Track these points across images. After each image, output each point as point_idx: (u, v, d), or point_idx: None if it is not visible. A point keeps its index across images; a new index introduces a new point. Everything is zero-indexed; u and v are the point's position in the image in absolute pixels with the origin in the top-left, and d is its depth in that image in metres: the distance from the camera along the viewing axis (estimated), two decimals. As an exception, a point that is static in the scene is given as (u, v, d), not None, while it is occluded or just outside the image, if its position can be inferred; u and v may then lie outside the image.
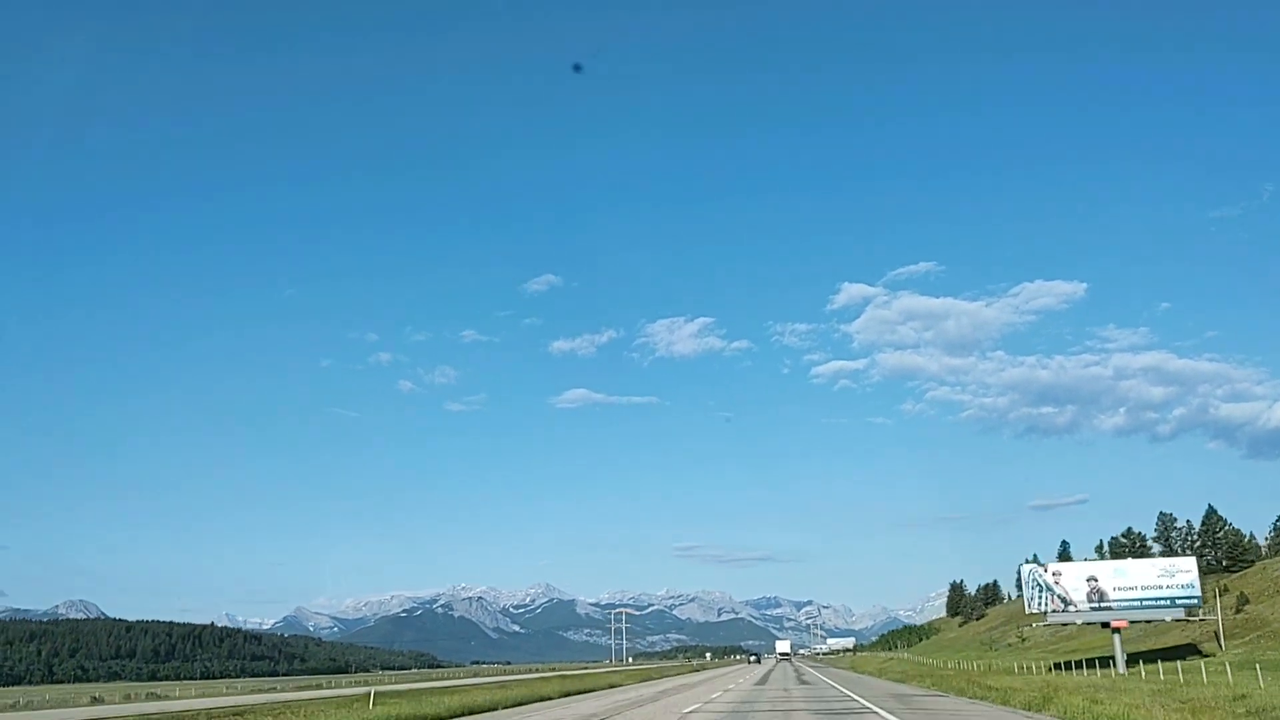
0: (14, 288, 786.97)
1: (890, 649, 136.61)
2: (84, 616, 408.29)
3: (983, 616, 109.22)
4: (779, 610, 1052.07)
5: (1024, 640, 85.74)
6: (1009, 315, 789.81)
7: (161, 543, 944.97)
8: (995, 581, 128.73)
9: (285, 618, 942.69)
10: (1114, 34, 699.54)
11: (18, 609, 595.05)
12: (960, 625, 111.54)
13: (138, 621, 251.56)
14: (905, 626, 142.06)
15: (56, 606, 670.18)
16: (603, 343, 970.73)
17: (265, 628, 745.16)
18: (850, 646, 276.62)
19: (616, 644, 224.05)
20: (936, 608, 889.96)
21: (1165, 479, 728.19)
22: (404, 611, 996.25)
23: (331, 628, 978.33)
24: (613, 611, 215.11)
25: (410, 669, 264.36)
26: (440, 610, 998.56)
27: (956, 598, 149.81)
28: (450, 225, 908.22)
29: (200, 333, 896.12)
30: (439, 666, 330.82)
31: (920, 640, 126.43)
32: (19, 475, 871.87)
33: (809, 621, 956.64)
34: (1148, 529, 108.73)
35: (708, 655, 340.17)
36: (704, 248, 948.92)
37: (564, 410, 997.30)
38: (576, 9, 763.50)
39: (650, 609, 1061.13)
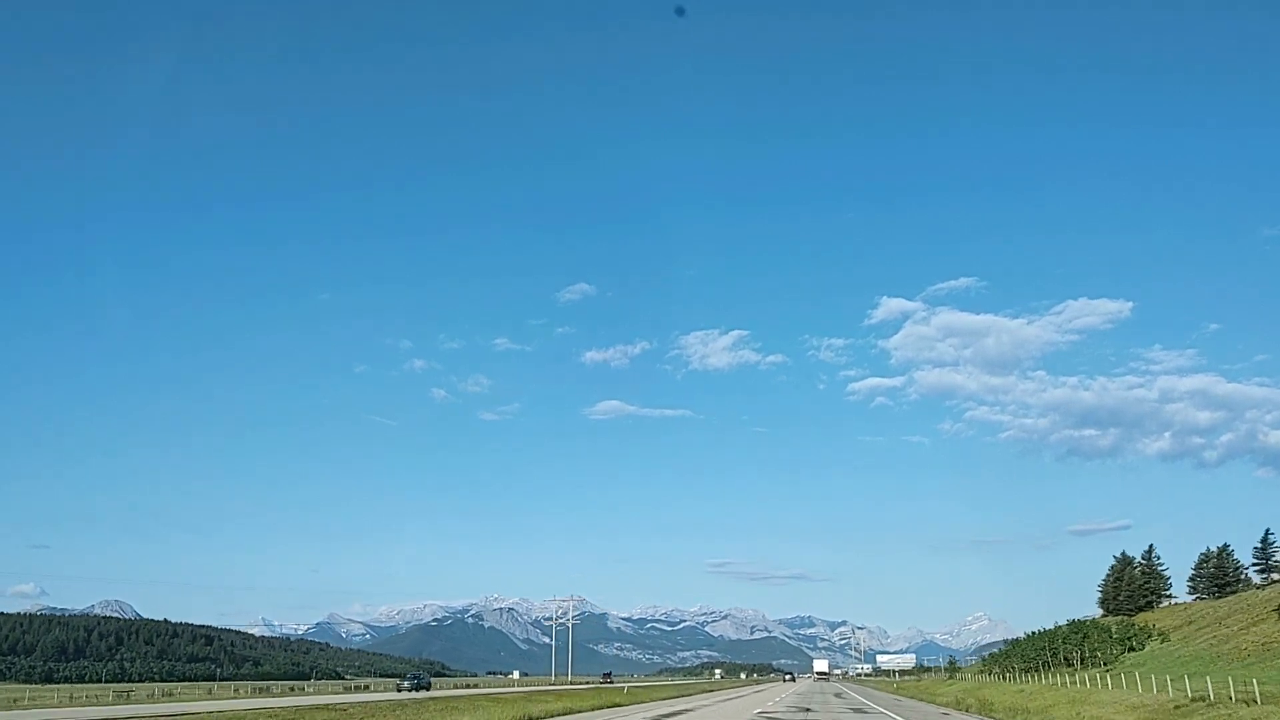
0: (50, 293, 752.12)
1: (1035, 670, 68.49)
2: (118, 615, 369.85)
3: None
4: (813, 630, 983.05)
5: None
6: (1051, 334, 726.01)
7: (200, 547, 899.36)
8: (1226, 546, 70.94)
9: (318, 624, 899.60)
10: (1165, 49, 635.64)
11: (54, 607, 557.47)
12: (1255, 619, 52.71)
13: (40, 614, 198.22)
14: (1070, 623, 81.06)
15: (92, 606, 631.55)
16: (635, 354, 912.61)
17: (299, 633, 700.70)
18: (909, 666, 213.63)
19: (561, 646, 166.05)
20: (974, 632, 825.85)
21: (1211, 506, 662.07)
22: (434, 621, 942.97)
23: (364, 634, 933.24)
24: (554, 603, 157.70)
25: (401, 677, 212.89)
26: (471, 620, 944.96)
27: (1148, 579, 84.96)
28: (483, 232, 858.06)
29: (236, 337, 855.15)
30: (445, 675, 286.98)
31: (1129, 650, 64.46)
32: (62, 478, 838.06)
33: (843, 642, 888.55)
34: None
35: (717, 673, 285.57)
36: (740, 259, 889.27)
37: (597, 422, 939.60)
38: (617, 17, 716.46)
39: (682, 624, 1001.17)
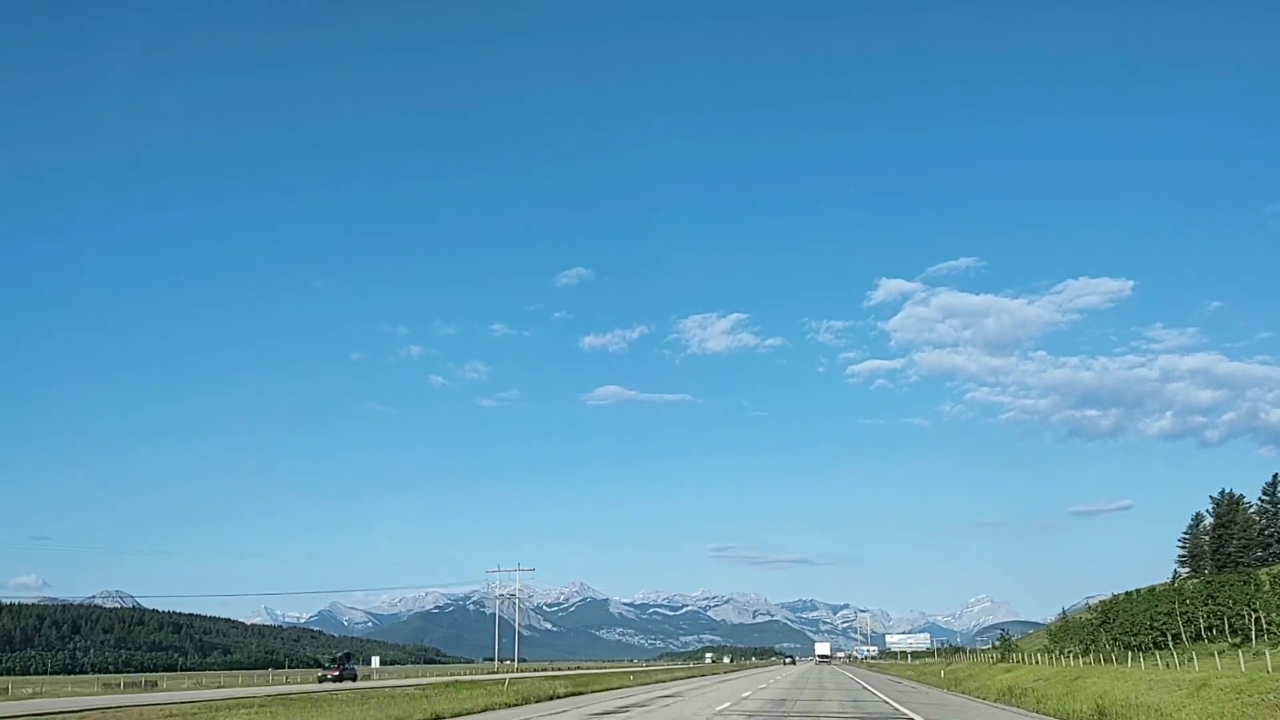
0: (47, 286, 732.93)
1: (1154, 648, 46.13)
2: (118, 606, 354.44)
3: None
4: (815, 613, 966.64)
5: None
6: (1052, 314, 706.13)
7: (201, 537, 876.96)
8: None
9: (320, 612, 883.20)
10: (1167, 31, 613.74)
11: (55, 598, 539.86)
12: None
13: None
14: (1207, 576, 61.92)
15: (93, 597, 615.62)
16: (634, 339, 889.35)
17: (302, 622, 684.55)
18: (922, 648, 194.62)
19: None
20: (975, 614, 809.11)
21: (1213, 485, 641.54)
22: (436, 608, 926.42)
23: (365, 622, 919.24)
24: (493, 574, 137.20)
25: (398, 664, 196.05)
26: (473, 607, 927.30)
27: (1269, 522, 63.61)
28: (478, 217, 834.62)
29: (232, 327, 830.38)
30: (436, 662, 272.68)
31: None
32: (63, 469, 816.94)
33: (845, 625, 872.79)
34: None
35: (708, 657, 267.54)
36: (737, 242, 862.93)
37: (596, 407, 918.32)
38: (614, 12, 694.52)
39: (684, 609, 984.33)
